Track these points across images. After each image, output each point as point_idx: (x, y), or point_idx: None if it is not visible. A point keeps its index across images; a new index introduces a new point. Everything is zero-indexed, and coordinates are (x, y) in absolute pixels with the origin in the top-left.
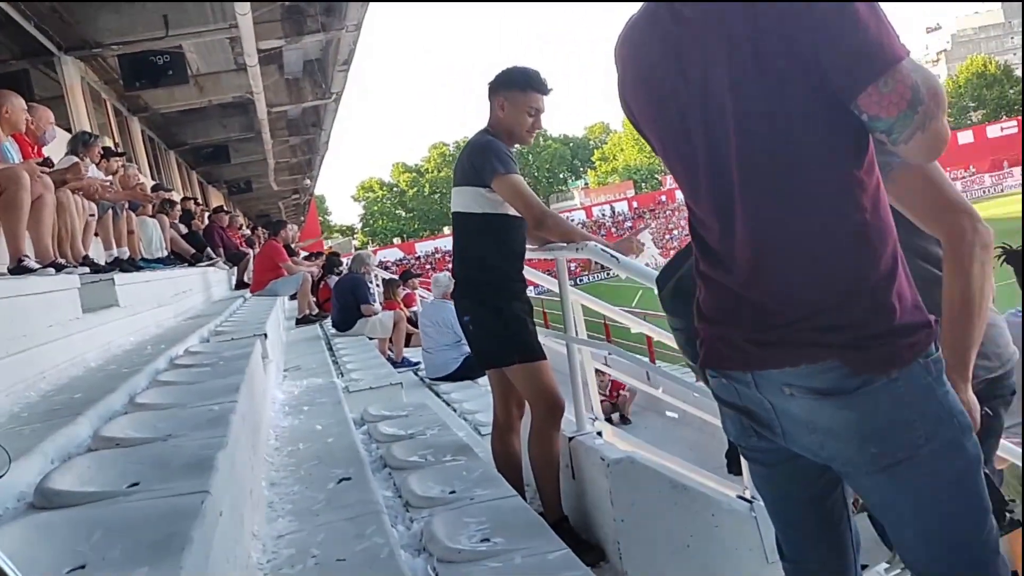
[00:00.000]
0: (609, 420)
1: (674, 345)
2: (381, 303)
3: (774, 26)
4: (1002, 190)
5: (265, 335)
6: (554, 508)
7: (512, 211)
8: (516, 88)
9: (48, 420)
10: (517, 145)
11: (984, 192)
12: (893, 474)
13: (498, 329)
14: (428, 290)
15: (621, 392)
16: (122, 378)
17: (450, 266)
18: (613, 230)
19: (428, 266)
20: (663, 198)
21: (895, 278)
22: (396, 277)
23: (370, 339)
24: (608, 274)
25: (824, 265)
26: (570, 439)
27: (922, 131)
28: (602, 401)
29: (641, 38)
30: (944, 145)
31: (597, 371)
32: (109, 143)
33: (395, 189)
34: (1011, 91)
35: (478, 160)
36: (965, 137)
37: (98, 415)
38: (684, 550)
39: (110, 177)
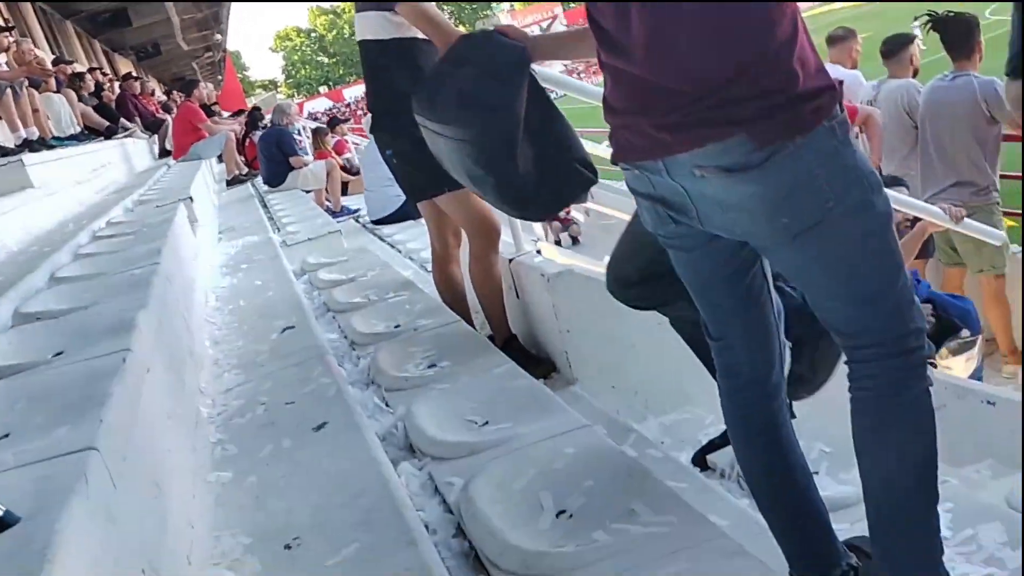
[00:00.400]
0: (558, 243)
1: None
2: (312, 154)
3: None
4: None
5: (190, 198)
6: (502, 329)
7: (422, 34)
8: None
9: None
10: None
11: None
12: (806, 241)
13: (421, 159)
14: (360, 135)
15: (571, 212)
16: (43, 257)
17: None
18: None
19: (359, 111)
20: None
21: (796, 43)
22: (323, 125)
23: (306, 192)
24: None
25: (720, 36)
26: (510, 260)
27: None
28: (555, 220)
29: None
30: None
31: None
32: None
33: (313, 35)
34: None
35: None
36: None
37: (19, 294)
38: (631, 351)
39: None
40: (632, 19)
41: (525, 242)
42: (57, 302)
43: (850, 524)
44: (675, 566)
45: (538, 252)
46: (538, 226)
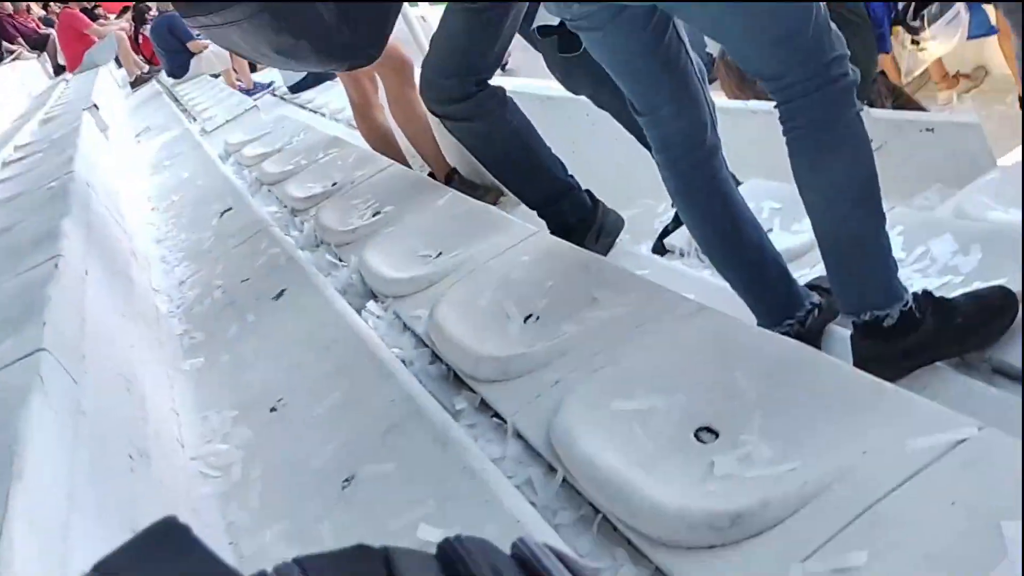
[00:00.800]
0: None
1: None
2: None
3: None
4: None
5: (95, 105)
6: (440, 164)
7: None
8: None
9: None
10: None
11: None
12: None
13: None
14: None
15: None
16: None
17: None
18: None
19: None
20: None
21: None
22: None
23: (214, 76)
24: None
25: None
26: None
27: None
28: None
29: None
30: None
31: None
32: None
33: None
34: None
35: None
36: None
37: None
38: (572, 156)
39: None
40: None
41: None
42: None
43: (810, 268)
44: (643, 338)
45: None
46: None
